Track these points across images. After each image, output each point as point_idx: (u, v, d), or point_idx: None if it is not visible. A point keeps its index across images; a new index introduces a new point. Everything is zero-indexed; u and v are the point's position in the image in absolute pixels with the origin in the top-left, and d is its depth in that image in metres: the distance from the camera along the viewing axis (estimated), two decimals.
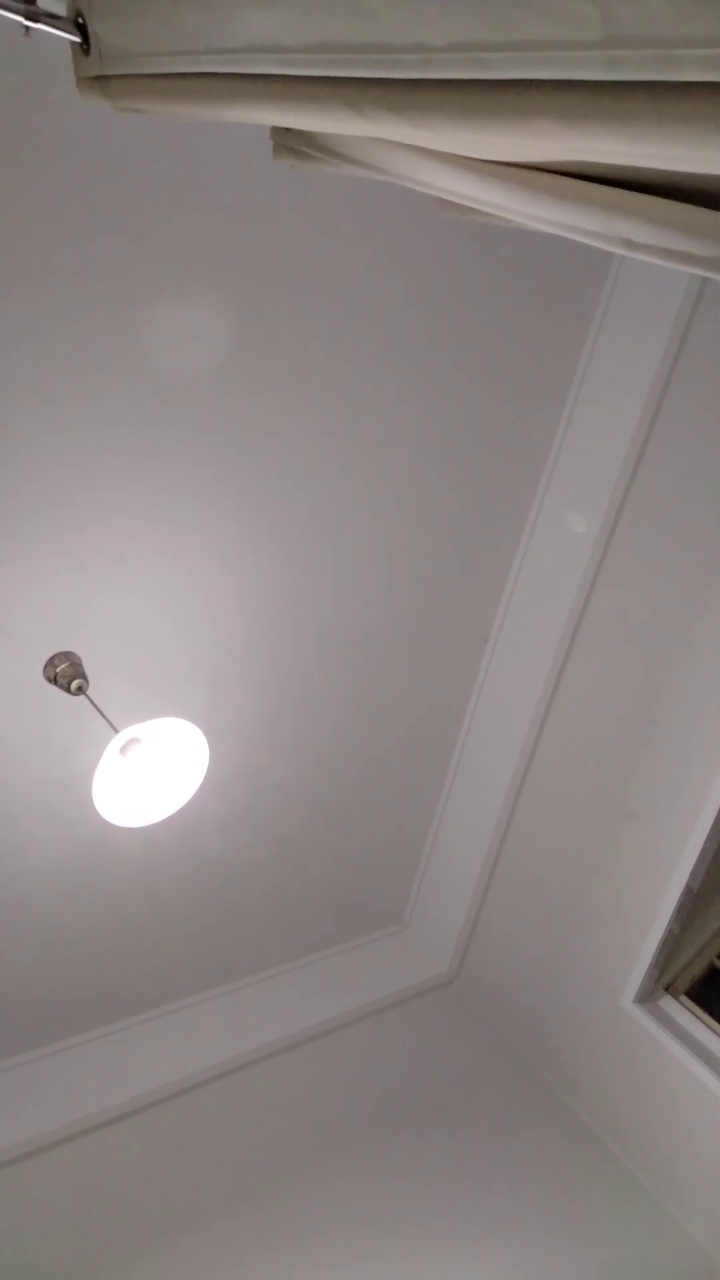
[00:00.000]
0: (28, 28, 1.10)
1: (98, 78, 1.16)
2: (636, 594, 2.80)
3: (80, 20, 1.11)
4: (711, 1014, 2.80)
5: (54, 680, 2.20)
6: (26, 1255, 2.34)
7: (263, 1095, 2.90)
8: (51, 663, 2.19)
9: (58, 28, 1.12)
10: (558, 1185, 2.80)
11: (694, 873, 2.68)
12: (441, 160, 1.00)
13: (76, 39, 1.13)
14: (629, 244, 0.91)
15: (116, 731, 2.05)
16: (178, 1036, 2.99)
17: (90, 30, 1.11)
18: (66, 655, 2.20)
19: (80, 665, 2.21)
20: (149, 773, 2.07)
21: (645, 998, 2.86)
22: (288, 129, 1.20)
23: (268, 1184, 2.61)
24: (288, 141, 1.23)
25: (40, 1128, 2.59)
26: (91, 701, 2.16)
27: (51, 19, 1.11)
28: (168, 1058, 2.89)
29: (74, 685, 2.16)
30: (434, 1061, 3.19)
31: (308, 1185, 2.64)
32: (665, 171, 0.83)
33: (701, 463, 2.58)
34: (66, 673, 2.18)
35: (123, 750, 2.04)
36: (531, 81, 0.74)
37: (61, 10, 1.13)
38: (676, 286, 2.49)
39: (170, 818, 2.19)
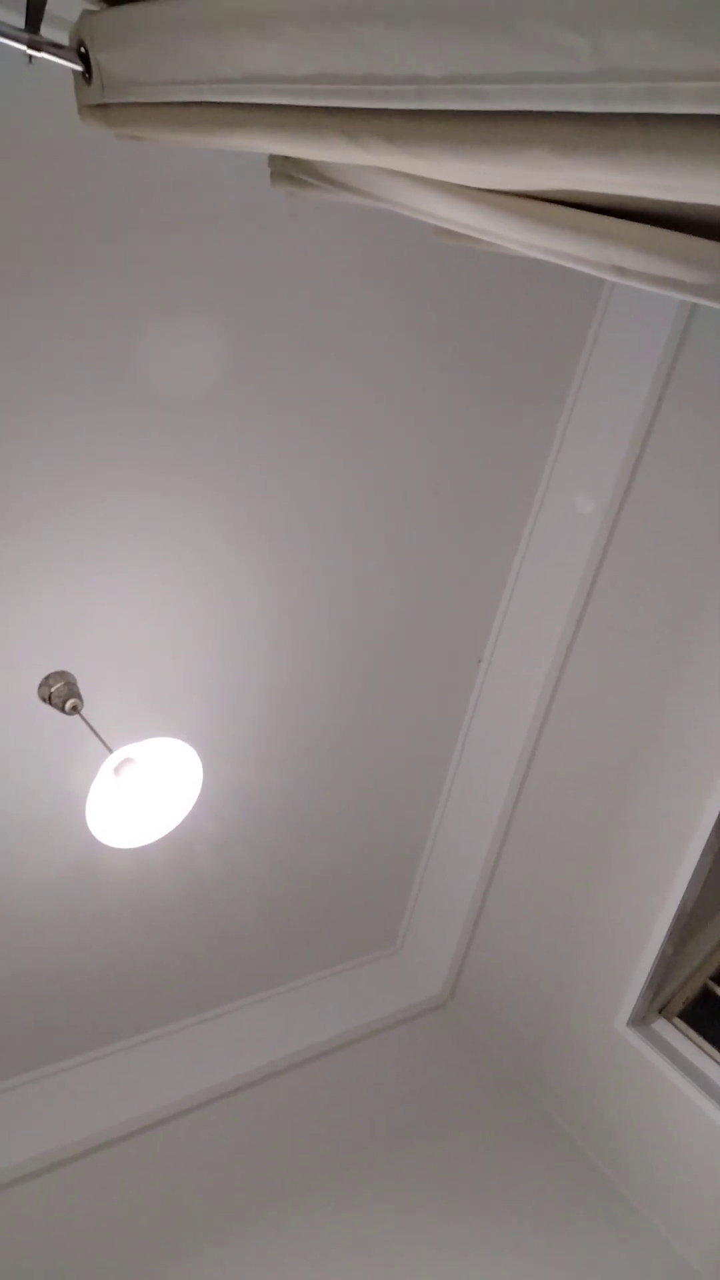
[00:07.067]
0: (31, 56, 1.12)
1: (99, 105, 1.18)
2: (628, 618, 2.82)
3: (83, 49, 1.13)
4: (705, 1037, 2.79)
5: (49, 700, 2.19)
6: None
7: (256, 1118, 2.87)
8: (46, 682, 2.19)
9: (61, 57, 1.14)
10: (549, 1207, 2.77)
11: (687, 894, 2.68)
12: (437, 188, 1.02)
13: (79, 68, 1.15)
14: (620, 271, 0.92)
15: (110, 751, 2.04)
16: (169, 1061, 2.96)
17: (92, 59, 1.13)
18: (61, 674, 2.20)
19: (75, 685, 2.20)
20: (143, 793, 2.07)
21: (639, 1020, 2.85)
22: (285, 157, 1.22)
23: (260, 1207, 2.58)
24: (285, 169, 1.25)
25: (30, 1153, 2.56)
26: (86, 721, 2.15)
27: (54, 48, 1.13)
28: (158, 1082, 2.86)
29: (68, 705, 2.16)
30: (427, 1084, 3.17)
31: (301, 1208, 2.61)
32: (656, 200, 0.85)
33: (695, 490, 2.60)
34: (61, 692, 2.18)
35: (117, 770, 2.04)
36: (526, 113, 0.76)
37: (64, 39, 1.15)
38: (669, 309, 2.53)
39: (164, 838, 2.18)
